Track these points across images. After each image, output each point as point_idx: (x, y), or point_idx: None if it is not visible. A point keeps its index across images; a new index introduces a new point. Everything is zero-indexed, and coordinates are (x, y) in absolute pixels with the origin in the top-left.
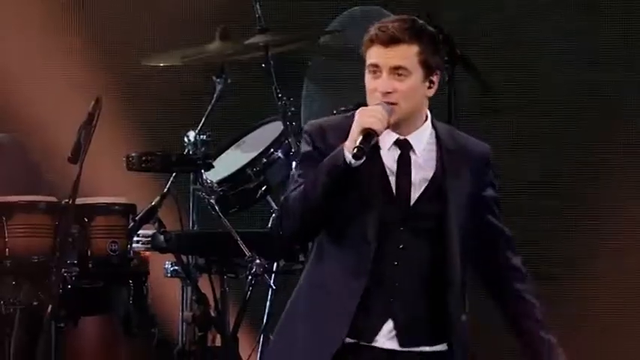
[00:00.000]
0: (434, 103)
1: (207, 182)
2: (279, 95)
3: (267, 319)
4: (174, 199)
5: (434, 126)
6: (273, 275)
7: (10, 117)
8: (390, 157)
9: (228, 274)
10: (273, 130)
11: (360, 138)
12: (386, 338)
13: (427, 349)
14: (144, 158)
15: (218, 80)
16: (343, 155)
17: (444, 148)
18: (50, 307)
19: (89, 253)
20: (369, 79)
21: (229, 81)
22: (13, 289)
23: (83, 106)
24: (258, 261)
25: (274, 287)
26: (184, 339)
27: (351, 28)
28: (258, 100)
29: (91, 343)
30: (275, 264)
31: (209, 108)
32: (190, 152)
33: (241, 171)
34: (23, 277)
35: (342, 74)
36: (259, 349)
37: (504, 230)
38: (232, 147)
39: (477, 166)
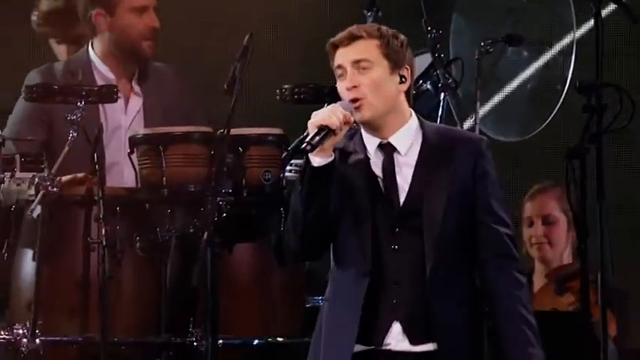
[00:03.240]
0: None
1: None
2: (429, 28)
3: None
4: None
5: (421, 124)
6: None
7: (169, 48)
8: (376, 162)
9: None
10: (421, 62)
11: (312, 134)
12: (397, 340)
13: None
14: (296, 90)
15: (369, 14)
16: (306, 159)
17: (426, 145)
18: (206, 234)
19: (243, 182)
20: (339, 84)
21: (380, 14)
22: (169, 217)
23: (239, 40)
24: None
25: None
26: None
27: None
28: (408, 32)
29: (245, 269)
30: None
31: None
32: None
33: None
34: (179, 206)
35: (491, 7)
36: None
37: (497, 230)
38: None
39: (463, 158)
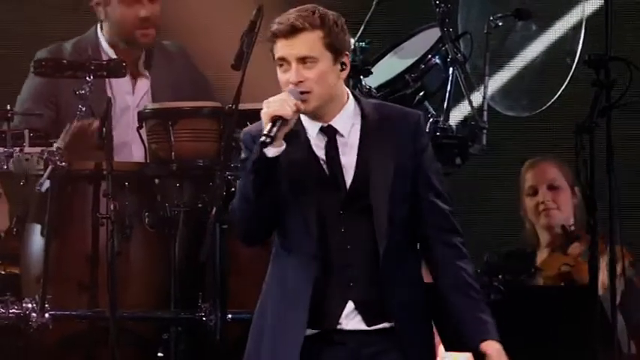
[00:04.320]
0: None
1: (365, 88)
2: (437, 2)
3: None
4: None
5: (359, 104)
6: None
7: (176, 25)
8: (319, 145)
9: None
10: (430, 36)
11: (269, 125)
12: (348, 319)
13: (392, 324)
14: None
15: None
16: (260, 149)
17: (366, 125)
18: (214, 209)
19: None
20: (279, 73)
21: None
22: (178, 192)
23: (246, 14)
24: None
25: None
26: None
27: None
28: (417, 6)
29: None
30: None
31: (368, 15)
32: (350, 59)
33: (399, 77)
34: (188, 180)
35: None
36: None
37: (438, 204)
38: (390, 53)
39: (403, 134)
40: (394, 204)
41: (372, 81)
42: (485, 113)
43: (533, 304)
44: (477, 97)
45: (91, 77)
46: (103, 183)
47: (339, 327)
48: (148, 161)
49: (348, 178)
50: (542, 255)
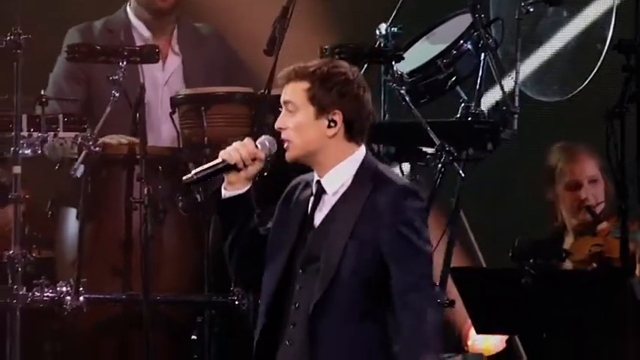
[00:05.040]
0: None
1: (397, 73)
2: None
3: (455, 205)
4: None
5: (362, 166)
6: (462, 163)
7: (209, 9)
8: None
9: (418, 163)
10: (462, 22)
11: (204, 166)
12: None
13: None
14: (336, 50)
15: None
16: (217, 190)
17: (351, 188)
18: None
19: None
20: None
21: None
22: None
23: (279, 0)
24: (447, 149)
25: (463, 175)
26: None
27: None
28: None
29: None
30: (464, 152)
31: (400, 1)
32: (382, 44)
33: (431, 62)
34: None
35: None
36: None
37: (397, 278)
38: (423, 39)
39: (380, 205)
40: (343, 273)
41: (404, 66)
42: (516, 98)
43: (566, 288)
44: (508, 83)
45: (124, 63)
46: (136, 167)
47: None
48: (181, 146)
49: (309, 237)
50: (569, 240)
